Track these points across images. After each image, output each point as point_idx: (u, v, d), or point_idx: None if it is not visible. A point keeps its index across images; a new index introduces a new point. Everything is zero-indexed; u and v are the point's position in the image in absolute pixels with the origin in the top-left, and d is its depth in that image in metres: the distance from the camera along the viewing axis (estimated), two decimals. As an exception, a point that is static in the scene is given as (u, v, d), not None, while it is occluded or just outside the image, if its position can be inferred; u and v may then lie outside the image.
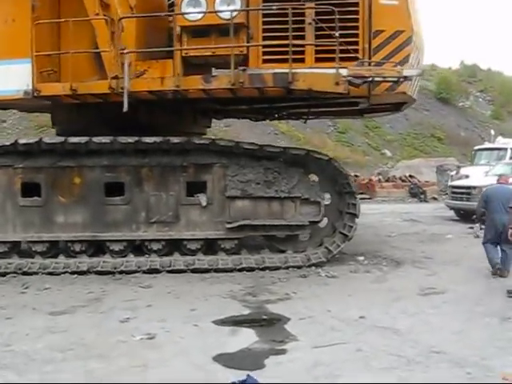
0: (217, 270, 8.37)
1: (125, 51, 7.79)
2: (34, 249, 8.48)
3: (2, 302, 6.93)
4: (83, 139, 8.20)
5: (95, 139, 8.21)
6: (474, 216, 9.82)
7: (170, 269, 8.34)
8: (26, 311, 6.58)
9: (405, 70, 7.50)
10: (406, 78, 7.56)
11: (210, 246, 8.71)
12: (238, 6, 7.69)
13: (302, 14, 7.69)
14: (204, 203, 8.55)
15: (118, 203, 8.50)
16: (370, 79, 7.45)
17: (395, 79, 7.56)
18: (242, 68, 7.68)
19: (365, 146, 29.24)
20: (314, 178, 8.89)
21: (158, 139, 8.29)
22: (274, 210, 8.66)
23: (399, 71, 7.47)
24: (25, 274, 8.19)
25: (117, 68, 7.84)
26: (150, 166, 8.49)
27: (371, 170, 25.40)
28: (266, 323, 6.12)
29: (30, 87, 8.24)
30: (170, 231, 8.56)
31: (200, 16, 7.67)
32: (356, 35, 7.79)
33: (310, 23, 7.63)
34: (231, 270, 8.40)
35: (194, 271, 8.34)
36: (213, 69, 7.70)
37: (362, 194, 20.07)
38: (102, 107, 8.62)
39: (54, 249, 8.58)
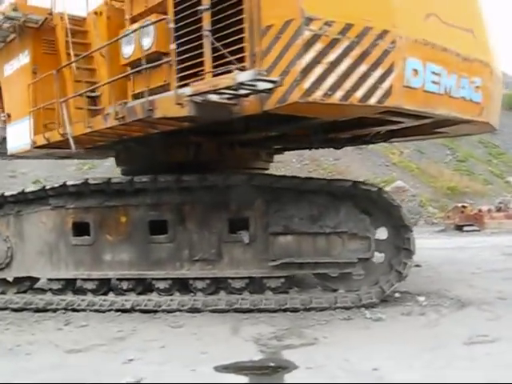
0: (260, 310, 7.93)
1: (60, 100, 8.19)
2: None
3: (33, 338, 7.07)
4: (125, 179, 8.28)
5: (136, 178, 8.25)
6: None
7: (212, 308, 8.03)
8: (48, 348, 6.63)
9: (239, 74, 5.38)
10: (242, 85, 5.41)
11: (257, 285, 8.30)
12: (151, 35, 6.92)
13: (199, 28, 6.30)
14: (247, 240, 8.18)
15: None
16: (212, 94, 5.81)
17: (234, 89, 5.56)
18: (121, 102, 7.12)
19: (487, 173, 27.14)
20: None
21: (196, 177, 8.13)
22: (320, 246, 8.07)
23: (234, 78, 5.41)
24: (74, 310, 8.33)
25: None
26: (192, 204, 8.32)
27: (492, 199, 23.42)
28: (269, 371, 5.61)
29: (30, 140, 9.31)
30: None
31: (131, 52, 7.27)
32: (240, 37, 5.92)
33: (206, 35, 6.11)
34: (275, 311, 7.91)
35: (237, 311, 7.97)
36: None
37: (469, 225, 18.51)
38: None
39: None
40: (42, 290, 9.18)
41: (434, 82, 6.52)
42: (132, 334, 7.11)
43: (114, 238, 8.51)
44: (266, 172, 10.37)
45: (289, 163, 24.76)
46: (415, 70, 6.25)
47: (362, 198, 8.02)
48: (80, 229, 8.65)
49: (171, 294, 8.41)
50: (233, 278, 8.27)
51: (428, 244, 14.84)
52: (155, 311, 8.12)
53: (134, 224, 8.46)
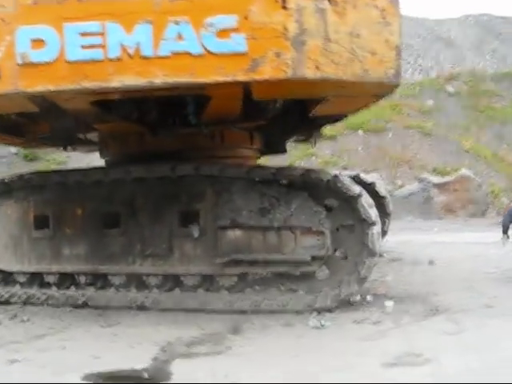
0: (208, 311, 7.22)
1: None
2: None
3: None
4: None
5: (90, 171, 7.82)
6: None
7: (160, 307, 7.43)
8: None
9: None
10: None
11: (210, 283, 7.57)
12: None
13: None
14: (196, 234, 7.47)
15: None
16: None
17: None
18: None
19: None
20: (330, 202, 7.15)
21: (143, 167, 7.53)
22: (271, 242, 7.18)
23: None
24: (32, 304, 8.03)
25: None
26: (143, 196, 7.72)
27: None
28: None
29: None
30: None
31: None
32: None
33: None
34: (223, 312, 7.16)
35: (186, 310, 7.31)
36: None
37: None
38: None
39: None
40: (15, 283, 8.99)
41: (88, 47, 4.95)
42: (58, 332, 6.68)
43: (71, 232, 8.10)
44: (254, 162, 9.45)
45: (354, 151, 23.48)
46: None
47: (317, 187, 7.01)
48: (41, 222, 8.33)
49: (128, 290, 7.86)
50: (185, 275, 7.58)
51: (473, 237, 13.22)
52: (105, 307, 7.63)
53: (89, 217, 7.99)
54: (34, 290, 8.01)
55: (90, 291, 7.95)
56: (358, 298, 7.43)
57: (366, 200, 6.92)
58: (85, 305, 7.79)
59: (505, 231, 9.19)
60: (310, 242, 7.06)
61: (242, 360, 5.41)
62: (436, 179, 19.91)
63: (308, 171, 6.95)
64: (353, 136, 23.93)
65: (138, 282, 7.83)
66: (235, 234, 7.30)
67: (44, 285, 8.11)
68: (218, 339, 6.13)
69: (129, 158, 8.56)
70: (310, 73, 5.08)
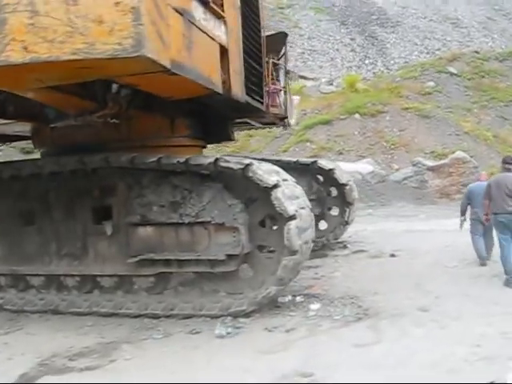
0: (122, 315, 6.46)
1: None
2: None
3: None
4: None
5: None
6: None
7: (73, 310, 6.72)
8: None
9: None
10: None
11: (128, 284, 6.79)
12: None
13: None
14: (109, 232, 6.68)
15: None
16: None
17: None
18: None
19: None
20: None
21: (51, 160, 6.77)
22: (184, 240, 6.35)
23: None
24: None
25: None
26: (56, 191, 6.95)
27: None
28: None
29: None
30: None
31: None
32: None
33: None
34: (137, 316, 6.41)
35: (99, 314, 6.58)
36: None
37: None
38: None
39: None
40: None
41: None
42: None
43: (-10, 230, 7.40)
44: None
45: (350, 136, 22.36)
46: None
47: (230, 178, 6.15)
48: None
49: (48, 293, 7.14)
50: (101, 276, 6.81)
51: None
52: (22, 311, 6.94)
53: (6, 215, 7.27)
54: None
55: (10, 293, 7.28)
56: (288, 299, 6.60)
57: (285, 191, 6.02)
58: (1, 308, 7.11)
59: (462, 213, 8.62)
60: (224, 239, 6.20)
61: (113, 377, 4.63)
62: (430, 162, 18.73)
63: (218, 160, 6.07)
64: (349, 120, 22.78)
65: (57, 283, 7.10)
66: (146, 231, 6.49)
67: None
68: (108, 350, 5.39)
69: (61, 149, 7.79)
70: (16, 56, 4.05)
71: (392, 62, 32.31)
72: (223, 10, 6.05)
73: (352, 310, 6.06)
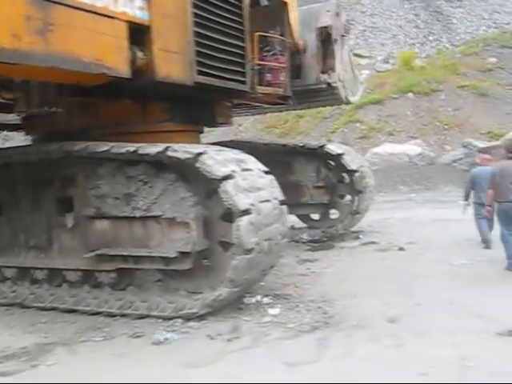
0: (81, 311, 6.05)
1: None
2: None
3: None
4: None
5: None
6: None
7: (37, 305, 6.37)
8: None
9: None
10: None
11: (94, 279, 6.34)
12: None
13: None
14: (69, 224, 6.24)
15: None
16: None
17: None
18: None
19: None
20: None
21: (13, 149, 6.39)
22: (138, 234, 5.79)
23: None
24: None
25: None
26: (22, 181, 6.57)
27: None
28: None
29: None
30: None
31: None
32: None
33: None
34: (95, 313, 5.95)
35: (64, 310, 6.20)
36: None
37: None
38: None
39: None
40: None
41: None
42: None
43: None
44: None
45: (402, 116, 20.98)
46: None
47: (186, 169, 5.49)
48: None
49: (21, 285, 6.83)
50: (67, 270, 6.40)
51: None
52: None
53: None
54: None
55: (-13, 285, 7.03)
56: (255, 300, 5.90)
57: (239, 183, 5.29)
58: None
59: (466, 198, 8.23)
60: (177, 234, 5.57)
61: None
62: (482, 144, 17.12)
63: (167, 148, 5.41)
64: (402, 99, 21.38)
65: (29, 276, 6.76)
66: (102, 224, 5.97)
67: None
68: (41, 353, 4.96)
69: (47, 136, 7.43)
70: None
71: (458, 37, 30.07)
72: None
73: (314, 316, 5.28)
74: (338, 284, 6.46)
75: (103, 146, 5.77)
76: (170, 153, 5.39)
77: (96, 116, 6.93)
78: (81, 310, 6.07)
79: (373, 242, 8.79)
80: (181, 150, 5.40)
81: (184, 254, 5.55)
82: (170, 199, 5.56)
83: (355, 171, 8.84)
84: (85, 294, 6.28)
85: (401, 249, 8.16)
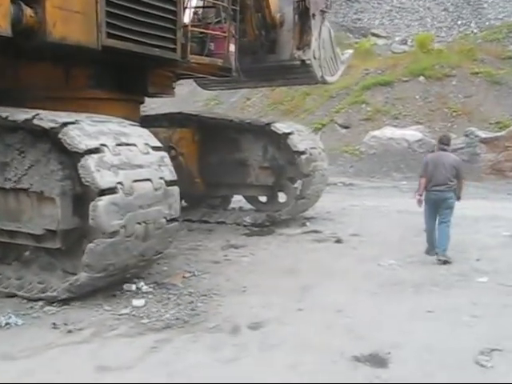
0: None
1: None
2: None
3: None
4: None
5: None
6: None
7: None
8: None
9: None
10: None
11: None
12: None
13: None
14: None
15: None
16: None
17: None
18: None
19: None
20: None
21: None
22: (12, 207, 5.26)
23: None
24: None
25: None
26: None
27: None
28: None
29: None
30: None
31: None
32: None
33: None
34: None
35: None
36: None
37: None
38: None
39: None
40: None
41: None
42: None
43: None
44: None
45: (411, 100, 19.85)
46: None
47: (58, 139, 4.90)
48: None
49: None
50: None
51: (473, 207, 9.92)
52: None
53: None
54: None
55: None
56: (135, 287, 5.33)
57: (104, 159, 4.69)
58: None
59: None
60: (47, 210, 5.02)
61: None
62: (484, 134, 15.97)
63: (34, 116, 4.82)
64: (412, 83, 20.18)
65: None
66: (-19, 194, 5.45)
67: None
68: None
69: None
70: None
71: (487, 23, 28.31)
72: None
73: (178, 313, 4.69)
74: (239, 276, 5.84)
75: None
76: (36, 121, 4.81)
77: (16, 79, 6.42)
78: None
79: (315, 231, 8.09)
80: (47, 118, 4.80)
81: (52, 232, 5.00)
82: (40, 171, 4.99)
83: (302, 152, 8.09)
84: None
85: (338, 241, 7.46)
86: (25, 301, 5.03)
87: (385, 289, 5.37)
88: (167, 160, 5.38)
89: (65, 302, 4.92)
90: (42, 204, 5.04)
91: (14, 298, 5.11)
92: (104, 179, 4.60)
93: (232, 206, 9.54)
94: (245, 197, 9.25)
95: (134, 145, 5.09)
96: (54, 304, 4.89)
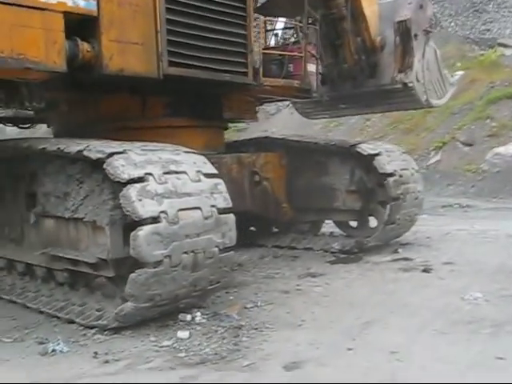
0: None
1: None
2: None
3: None
4: None
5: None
6: None
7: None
8: None
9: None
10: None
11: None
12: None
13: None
14: (32, 220, 6.09)
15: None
16: None
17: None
18: None
19: None
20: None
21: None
22: (72, 236, 5.43)
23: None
24: None
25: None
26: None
27: None
28: None
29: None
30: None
31: None
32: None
33: None
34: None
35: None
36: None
37: None
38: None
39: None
40: None
41: None
42: None
43: None
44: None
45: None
46: None
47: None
48: None
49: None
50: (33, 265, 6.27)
51: None
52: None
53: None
54: None
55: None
56: (190, 317, 5.20)
57: (148, 188, 4.64)
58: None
59: None
60: (101, 239, 5.09)
61: None
62: None
63: (85, 147, 4.92)
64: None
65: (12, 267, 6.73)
66: (49, 223, 5.71)
67: None
68: None
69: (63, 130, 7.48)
70: None
71: None
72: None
73: (219, 347, 4.43)
74: (303, 308, 5.46)
75: (45, 143, 5.48)
76: (86, 152, 4.91)
77: (96, 111, 6.78)
78: (20, 302, 5.89)
79: (406, 259, 7.43)
80: (95, 149, 4.88)
81: (104, 261, 5.05)
82: (94, 201, 5.09)
83: (390, 174, 7.50)
84: (44, 290, 6.07)
85: (425, 270, 6.75)
86: (81, 327, 5.10)
87: (457, 328, 4.66)
88: (222, 187, 5.21)
89: (116, 330, 4.90)
90: (96, 233, 5.12)
91: (73, 324, 5.21)
92: (145, 208, 4.53)
93: (324, 230, 9.15)
94: (334, 222, 8.82)
95: (184, 172, 4.99)
96: (106, 332, 4.89)
